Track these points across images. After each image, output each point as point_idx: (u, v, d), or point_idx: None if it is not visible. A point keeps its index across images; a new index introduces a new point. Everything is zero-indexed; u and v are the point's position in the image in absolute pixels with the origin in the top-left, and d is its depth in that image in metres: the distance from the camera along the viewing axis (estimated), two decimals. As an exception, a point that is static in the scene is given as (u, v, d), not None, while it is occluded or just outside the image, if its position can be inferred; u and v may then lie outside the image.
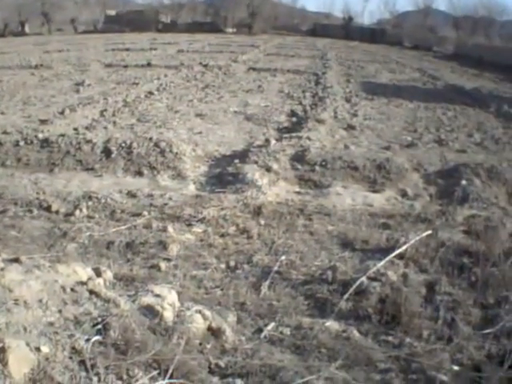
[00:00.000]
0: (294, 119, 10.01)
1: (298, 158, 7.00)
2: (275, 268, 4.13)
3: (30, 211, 5.34)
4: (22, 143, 7.46)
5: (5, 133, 8.16)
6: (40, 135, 7.72)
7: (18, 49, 37.97)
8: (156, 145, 7.12)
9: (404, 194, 6.30)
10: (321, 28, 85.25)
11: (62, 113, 9.86)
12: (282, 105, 11.56)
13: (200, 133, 8.54)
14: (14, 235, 4.75)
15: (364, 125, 9.96)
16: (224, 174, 6.53)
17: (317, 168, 6.74)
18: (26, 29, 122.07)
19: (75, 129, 8.53)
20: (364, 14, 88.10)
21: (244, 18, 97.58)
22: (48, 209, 5.37)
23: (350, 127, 9.56)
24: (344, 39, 60.38)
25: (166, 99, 11.62)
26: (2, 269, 2.78)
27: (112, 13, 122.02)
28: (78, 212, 5.24)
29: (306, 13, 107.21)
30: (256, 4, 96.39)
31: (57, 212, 5.31)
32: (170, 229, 4.84)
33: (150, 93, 12.29)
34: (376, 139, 8.91)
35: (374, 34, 67.63)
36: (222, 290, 3.82)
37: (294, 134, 8.30)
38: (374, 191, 6.35)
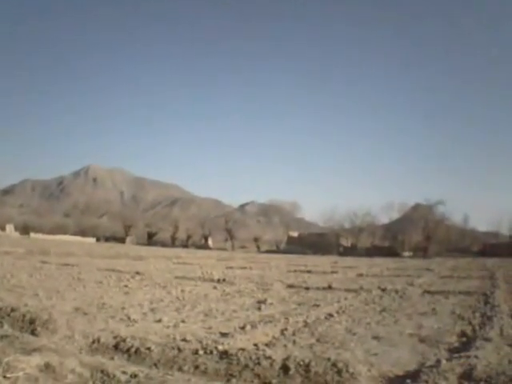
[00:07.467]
0: (464, 339, 10.20)
1: (466, 375, 7.07)
2: None
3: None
4: (201, 352, 8.14)
5: (184, 340, 9.02)
6: (220, 347, 8.38)
7: (201, 262, 42.74)
8: (333, 364, 7.45)
9: None
10: (490, 248, 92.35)
11: (243, 328, 10.64)
12: (453, 326, 11.81)
13: (375, 354, 8.83)
14: None
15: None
16: (396, 393, 6.75)
17: (482, 384, 6.93)
18: (209, 243, 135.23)
19: (255, 344, 9.15)
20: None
21: (420, 241, 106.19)
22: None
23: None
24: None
25: (345, 321, 12.12)
26: None
27: (294, 234, 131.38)
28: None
29: (476, 233, 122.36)
30: (431, 227, 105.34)
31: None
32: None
33: (330, 315, 12.90)
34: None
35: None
36: None
37: (462, 354, 8.40)
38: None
